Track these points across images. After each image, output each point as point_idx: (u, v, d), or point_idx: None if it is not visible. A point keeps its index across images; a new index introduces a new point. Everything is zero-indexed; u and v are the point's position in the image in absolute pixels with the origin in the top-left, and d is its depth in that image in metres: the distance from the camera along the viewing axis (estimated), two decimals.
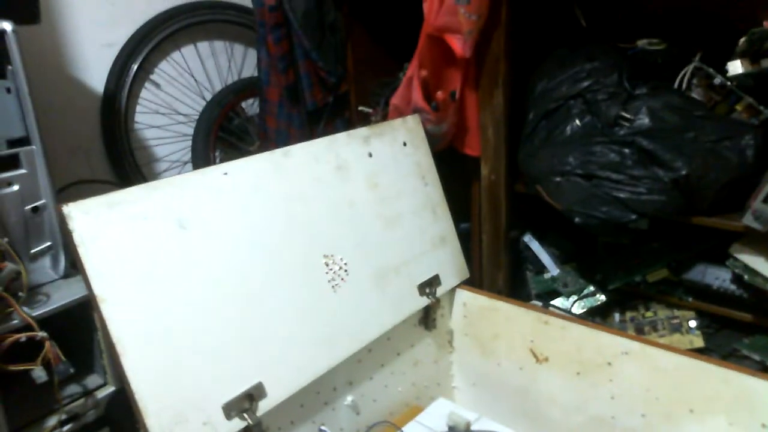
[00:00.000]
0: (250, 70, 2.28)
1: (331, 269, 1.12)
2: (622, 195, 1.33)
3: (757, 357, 1.29)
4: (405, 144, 1.34)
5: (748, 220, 1.22)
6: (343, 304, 1.12)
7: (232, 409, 0.90)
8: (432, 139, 1.41)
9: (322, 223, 1.12)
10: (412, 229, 1.31)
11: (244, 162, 1.03)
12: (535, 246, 1.61)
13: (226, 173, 1.00)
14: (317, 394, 1.13)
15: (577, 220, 1.34)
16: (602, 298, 1.52)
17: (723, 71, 1.35)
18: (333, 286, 1.11)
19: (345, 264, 1.14)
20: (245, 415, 0.91)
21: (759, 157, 1.27)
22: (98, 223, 0.82)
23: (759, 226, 1.20)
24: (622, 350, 1.16)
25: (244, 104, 2.25)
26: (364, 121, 1.76)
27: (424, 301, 1.30)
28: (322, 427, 1.12)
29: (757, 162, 1.26)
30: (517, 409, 1.33)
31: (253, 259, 0.99)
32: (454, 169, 1.49)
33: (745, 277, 1.25)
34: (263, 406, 0.95)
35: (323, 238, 1.12)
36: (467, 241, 1.57)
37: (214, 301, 0.92)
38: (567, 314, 1.46)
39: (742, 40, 1.29)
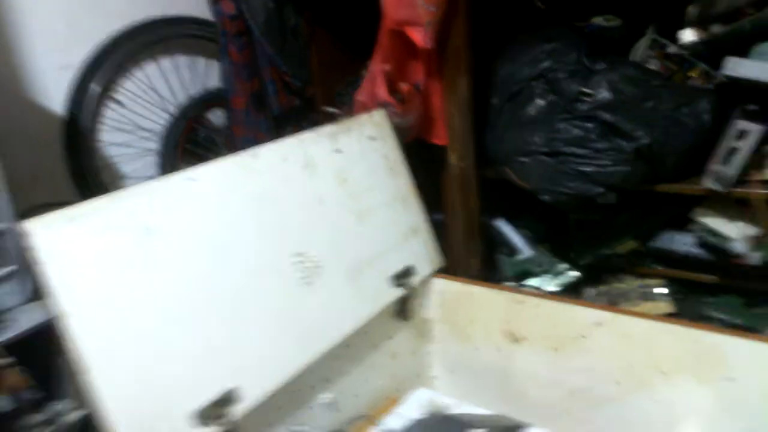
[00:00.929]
0: (214, 81, 2.28)
1: (304, 267, 1.12)
2: (587, 169, 1.35)
3: (722, 316, 1.32)
4: (372, 138, 1.35)
5: (708, 182, 1.25)
6: (317, 300, 1.13)
7: (205, 415, 0.89)
8: (399, 131, 1.42)
9: (292, 222, 1.12)
10: (384, 221, 1.32)
11: (211, 166, 1.03)
12: (508, 229, 1.63)
13: (192, 178, 1.00)
14: (294, 394, 1.13)
15: (545, 197, 1.36)
16: (575, 274, 1.54)
17: (676, 41, 1.38)
18: (306, 284, 1.12)
19: (317, 261, 1.15)
20: (220, 420, 0.91)
21: (716, 120, 1.30)
22: (60, 236, 0.82)
23: (719, 187, 1.23)
24: (595, 322, 1.19)
25: (210, 116, 2.25)
26: (331, 121, 1.77)
27: (400, 293, 1.31)
28: (293, 427, 1.13)
29: (714, 125, 1.30)
30: (497, 391, 1.35)
31: (223, 261, 0.99)
32: (424, 160, 1.51)
33: (709, 239, 1.28)
34: (239, 410, 0.95)
35: (294, 237, 1.12)
36: (441, 230, 1.58)
37: (184, 307, 0.92)
38: (540, 292, 1.47)
39: (692, 8, 1.32)
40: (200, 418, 0.89)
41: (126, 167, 2.05)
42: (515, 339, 1.30)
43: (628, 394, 1.16)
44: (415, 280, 1.35)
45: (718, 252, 1.31)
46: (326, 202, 1.20)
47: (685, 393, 1.10)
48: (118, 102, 2.04)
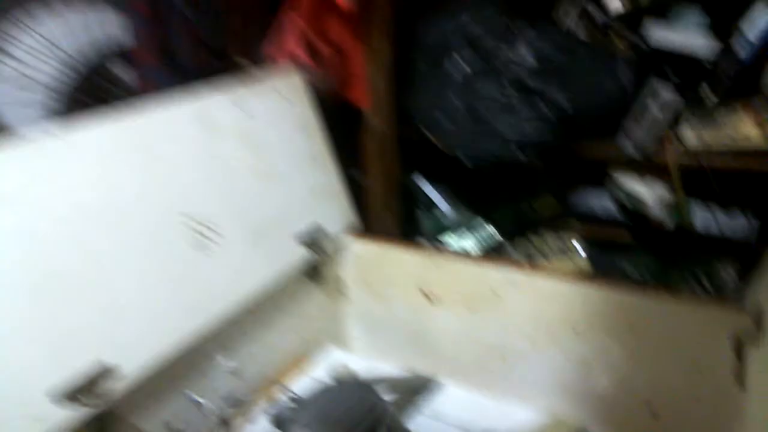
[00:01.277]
0: (120, 34, 2.05)
1: (197, 230, 1.01)
2: (507, 132, 1.31)
3: (636, 274, 1.33)
4: (285, 99, 1.24)
5: (625, 147, 1.24)
6: (212, 266, 1.03)
7: (72, 395, 0.79)
8: (318, 91, 1.32)
9: (185, 184, 1.01)
10: (293, 182, 1.22)
11: (93, 125, 0.90)
12: (427, 187, 1.58)
13: (60, 139, 0.86)
14: (193, 363, 1.04)
15: (466, 161, 1.31)
16: (493, 230, 1.51)
17: (603, 10, 1.35)
18: (199, 248, 1.01)
19: (214, 223, 1.04)
20: (93, 399, 0.81)
21: (636, 87, 1.28)
22: None
23: (635, 152, 1.23)
24: (509, 281, 1.16)
25: (117, 71, 2.04)
26: (245, 78, 1.64)
27: (308, 253, 1.23)
28: (192, 395, 1.04)
29: (634, 93, 1.28)
30: (413, 350, 1.31)
31: (98, 228, 0.87)
32: (346, 121, 1.43)
33: (624, 199, 1.27)
34: (117, 387, 0.85)
35: (187, 200, 1.01)
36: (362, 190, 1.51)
37: (47, 279, 0.80)
38: (456, 251, 1.44)
39: None
40: (64, 398, 0.78)
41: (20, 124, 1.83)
42: (431, 298, 1.26)
43: (541, 350, 1.15)
44: (326, 240, 1.27)
45: (633, 213, 1.31)
46: (227, 163, 1.09)
47: (596, 347, 1.09)
48: (9, 54, 1.80)
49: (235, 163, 1.10)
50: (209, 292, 1.02)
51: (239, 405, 1.14)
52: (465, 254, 1.38)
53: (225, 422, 1.09)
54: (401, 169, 1.55)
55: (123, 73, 1.97)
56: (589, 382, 1.12)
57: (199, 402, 1.06)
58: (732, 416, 0.94)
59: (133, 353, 0.88)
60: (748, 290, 0.93)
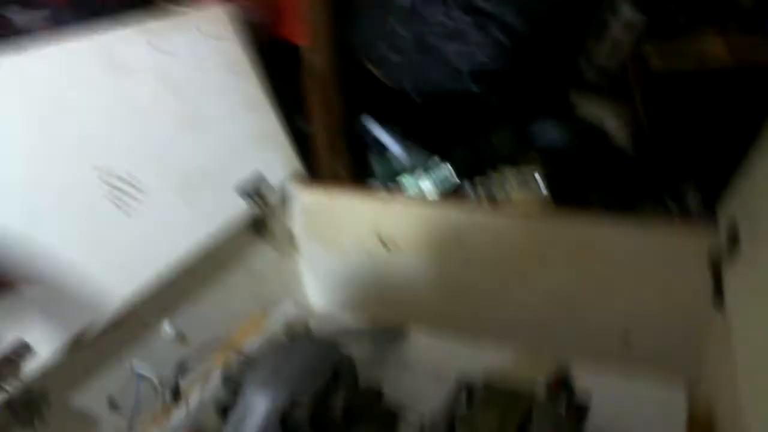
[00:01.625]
0: None
1: (114, 187, 0.89)
2: (458, 61, 1.21)
3: (599, 203, 1.27)
4: (211, 37, 1.09)
5: (586, 71, 1.17)
6: (139, 224, 0.91)
7: None
8: (249, 28, 1.18)
9: (96, 137, 0.87)
10: (225, 128, 1.09)
11: None
12: (376, 128, 1.47)
13: None
14: (131, 335, 0.93)
15: (414, 95, 1.21)
16: (450, 170, 1.42)
17: None
18: (120, 207, 0.89)
19: (136, 179, 0.92)
20: (7, 379, 0.70)
21: (596, 4, 1.19)
22: None
23: (596, 76, 1.17)
24: (470, 222, 1.09)
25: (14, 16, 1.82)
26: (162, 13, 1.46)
27: (250, 205, 1.12)
28: (137, 368, 0.94)
29: (594, 9, 1.19)
30: (377, 301, 1.24)
31: None
32: (285, 60, 1.29)
33: (585, 126, 1.20)
34: (37, 365, 0.75)
35: (99, 153, 0.87)
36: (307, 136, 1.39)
37: None
38: (412, 195, 1.35)
39: None
40: None
41: None
42: (387, 244, 1.18)
43: (509, 288, 1.09)
44: (269, 190, 1.16)
45: (594, 140, 1.24)
46: (144, 109, 0.96)
47: (565, 279, 1.04)
48: None
49: (153, 109, 0.97)
50: (139, 253, 0.91)
51: (190, 373, 1.05)
52: (421, 197, 1.30)
53: (176, 392, 1.00)
54: (347, 111, 1.44)
55: (21, 17, 1.76)
56: (561, 315, 1.07)
57: (143, 374, 0.96)
58: (706, 340, 0.90)
59: (53, 327, 0.77)
60: (720, 207, 0.87)
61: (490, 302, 1.13)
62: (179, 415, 1.00)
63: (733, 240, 0.75)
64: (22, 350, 0.72)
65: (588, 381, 0.80)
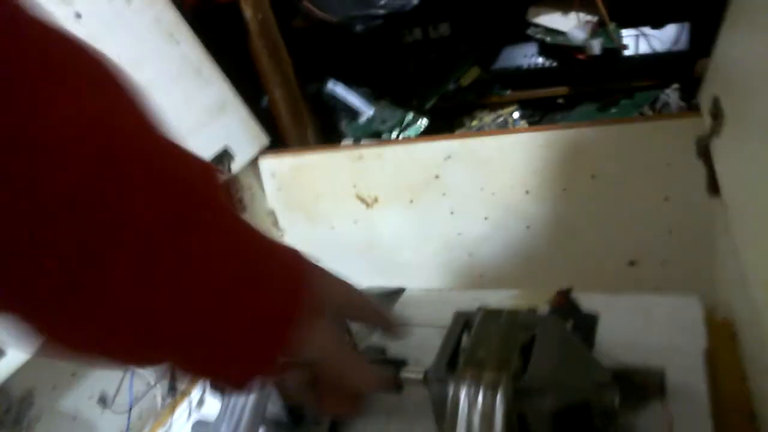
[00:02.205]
0: None
1: None
2: None
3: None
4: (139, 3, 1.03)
5: None
6: None
7: None
8: None
9: None
10: (173, 101, 1.04)
11: None
12: (341, 90, 1.41)
13: None
14: None
15: (357, 27, 1.14)
16: (425, 122, 1.37)
17: None
18: None
19: None
20: None
21: None
22: None
23: None
24: (444, 155, 1.03)
25: None
26: None
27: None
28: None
29: None
30: (364, 266, 1.19)
31: None
32: (228, 26, 1.23)
33: (547, 39, 1.14)
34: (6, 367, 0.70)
35: None
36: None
37: None
38: (380, 140, 1.29)
39: None
40: None
41: None
42: (368, 202, 1.13)
43: (499, 225, 1.04)
44: (236, 167, 1.11)
45: (559, 52, 1.18)
46: None
47: (554, 204, 0.99)
48: None
49: None
50: None
51: None
52: (391, 141, 1.24)
53: (173, 387, 0.95)
54: (310, 78, 1.38)
55: None
56: (556, 243, 1.02)
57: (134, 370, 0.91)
58: (714, 239, 0.86)
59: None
60: (700, 93, 0.82)
61: (480, 245, 1.08)
62: (182, 411, 0.95)
63: (717, 115, 0.70)
64: None
65: (595, 303, 0.75)
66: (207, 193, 0.33)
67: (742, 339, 0.75)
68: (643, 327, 0.83)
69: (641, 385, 0.71)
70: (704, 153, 0.76)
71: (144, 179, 0.29)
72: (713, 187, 0.75)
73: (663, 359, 0.73)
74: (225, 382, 0.35)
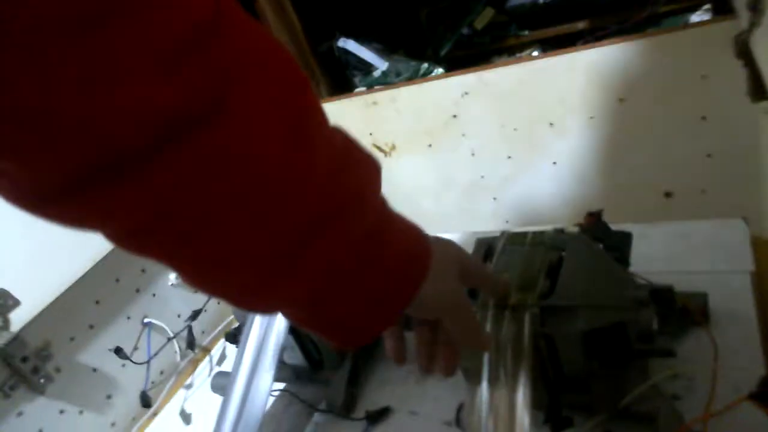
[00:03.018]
0: None
1: None
2: None
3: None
4: None
5: None
6: None
7: None
8: None
9: None
10: None
11: None
12: (353, 46, 1.37)
13: None
14: (118, 283, 0.87)
15: None
16: (440, 70, 1.32)
17: None
18: None
19: None
20: None
21: None
22: None
23: None
24: (461, 92, 0.98)
25: None
26: None
27: None
28: (146, 320, 0.88)
29: None
30: None
31: None
32: None
33: None
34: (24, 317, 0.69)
35: None
36: None
37: None
38: (393, 82, 1.24)
39: None
40: None
41: None
42: (385, 151, 1.08)
43: (522, 164, 0.99)
44: None
45: None
46: None
47: (582, 135, 0.92)
48: None
49: None
50: None
51: (204, 324, 0.98)
52: (404, 82, 1.19)
53: (191, 342, 0.94)
54: (321, 34, 1.35)
55: None
56: (585, 179, 0.96)
57: (153, 323, 0.90)
58: (752, 149, 0.79)
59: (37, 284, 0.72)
60: None
61: (505, 187, 1.03)
62: (204, 368, 0.93)
63: (756, 6, 0.63)
64: (4, 300, 0.66)
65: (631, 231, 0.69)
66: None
67: None
68: (684, 253, 0.77)
69: (682, 309, 0.66)
70: (744, 52, 0.69)
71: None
72: (757, 89, 0.68)
73: (706, 285, 0.67)
74: (345, 335, 0.37)
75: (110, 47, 0.21)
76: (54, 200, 0.25)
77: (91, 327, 0.80)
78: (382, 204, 0.37)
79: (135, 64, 0.22)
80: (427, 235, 0.40)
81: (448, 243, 0.43)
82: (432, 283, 0.38)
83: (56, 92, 0.21)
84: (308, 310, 0.35)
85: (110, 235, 0.28)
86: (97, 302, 0.81)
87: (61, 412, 0.75)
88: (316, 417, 0.71)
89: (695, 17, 1.06)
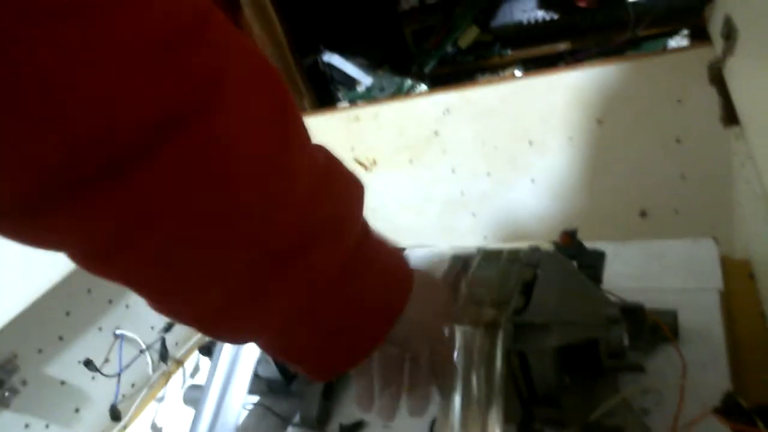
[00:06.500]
0: None
1: None
2: None
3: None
4: None
5: None
6: None
7: None
8: None
9: None
10: None
11: None
12: (338, 61, 1.38)
13: None
14: (90, 293, 0.85)
15: None
16: (424, 87, 1.33)
17: None
18: None
19: None
20: None
21: None
22: None
23: None
24: (443, 110, 0.99)
25: None
26: None
27: None
28: (118, 331, 0.87)
29: None
30: None
31: None
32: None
33: None
34: None
35: None
36: None
37: None
38: (376, 98, 1.25)
39: None
40: None
41: None
42: (366, 166, 1.09)
43: (501, 181, 0.99)
44: None
45: (559, 1, 1.14)
46: None
47: (560, 153, 0.94)
48: None
49: None
50: None
51: (178, 336, 0.97)
52: (387, 98, 1.20)
53: (164, 354, 0.92)
54: (305, 48, 1.35)
55: None
56: (562, 197, 0.97)
57: (125, 335, 0.88)
58: (724, 171, 0.81)
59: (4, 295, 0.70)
60: (709, 16, 0.77)
61: (482, 205, 1.04)
62: (177, 380, 0.92)
63: (729, 35, 0.65)
64: None
65: (605, 251, 0.70)
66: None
67: (759, 278, 0.70)
68: (656, 272, 0.78)
69: (652, 326, 0.67)
70: (717, 79, 0.71)
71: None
72: (729, 116, 0.70)
73: (676, 302, 0.68)
74: (319, 367, 0.36)
75: (84, 40, 0.20)
76: (9, 216, 0.23)
77: (61, 338, 0.78)
78: (362, 231, 0.36)
79: (107, 61, 0.21)
80: (407, 266, 0.40)
81: (431, 283, 0.42)
82: (408, 319, 0.37)
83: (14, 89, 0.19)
84: (279, 340, 0.34)
85: (73, 256, 0.27)
86: (68, 313, 0.79)
87: (26, 426, 0.73)
88: (290, 430, 0.71)
89: (673, 42, 1.08)
